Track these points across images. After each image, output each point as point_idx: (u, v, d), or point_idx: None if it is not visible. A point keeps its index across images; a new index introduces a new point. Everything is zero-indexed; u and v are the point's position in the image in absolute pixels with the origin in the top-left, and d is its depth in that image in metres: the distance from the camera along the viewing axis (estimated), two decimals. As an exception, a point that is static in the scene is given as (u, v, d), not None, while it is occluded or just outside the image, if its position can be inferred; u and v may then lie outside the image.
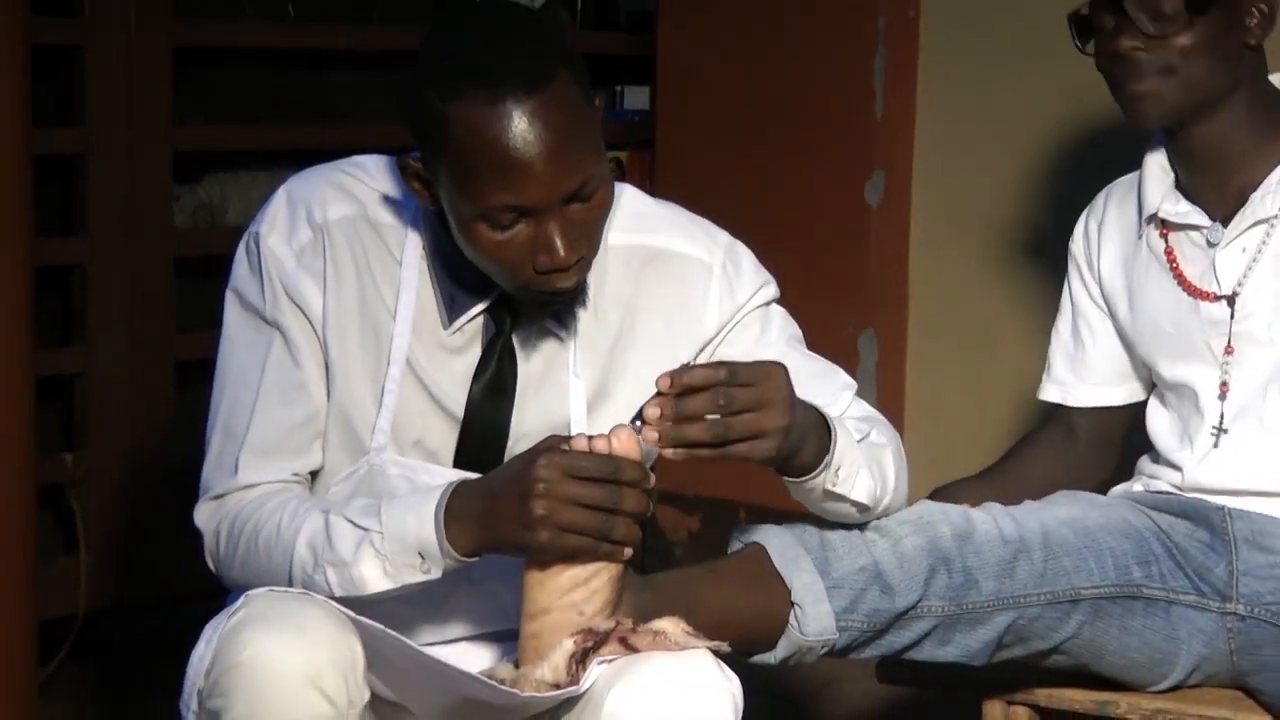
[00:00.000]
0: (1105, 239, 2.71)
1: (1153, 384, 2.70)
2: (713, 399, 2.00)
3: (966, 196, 3.97)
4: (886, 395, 4.02)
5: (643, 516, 2.03)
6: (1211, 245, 2.57)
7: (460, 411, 2.20)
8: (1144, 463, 2.69)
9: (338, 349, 2.18)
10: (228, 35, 3.97)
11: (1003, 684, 2.61)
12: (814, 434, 2.12)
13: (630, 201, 2.27)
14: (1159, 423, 2.67)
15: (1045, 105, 3.82)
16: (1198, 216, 2.59)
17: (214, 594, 2.22)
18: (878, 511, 2.28)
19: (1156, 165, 2.63)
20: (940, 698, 2.79)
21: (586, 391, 2.22)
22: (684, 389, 2.01)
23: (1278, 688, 2.48)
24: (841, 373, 2.32)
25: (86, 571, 3.54)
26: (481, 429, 2.20)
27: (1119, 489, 2.69)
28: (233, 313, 2.22)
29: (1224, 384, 2.57)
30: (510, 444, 2.20)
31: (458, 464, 2.20)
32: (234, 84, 4.14)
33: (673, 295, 2.25)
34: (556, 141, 2.02)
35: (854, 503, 2.22)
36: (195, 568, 2.25)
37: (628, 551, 2.04)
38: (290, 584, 2.10)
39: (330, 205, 2.19)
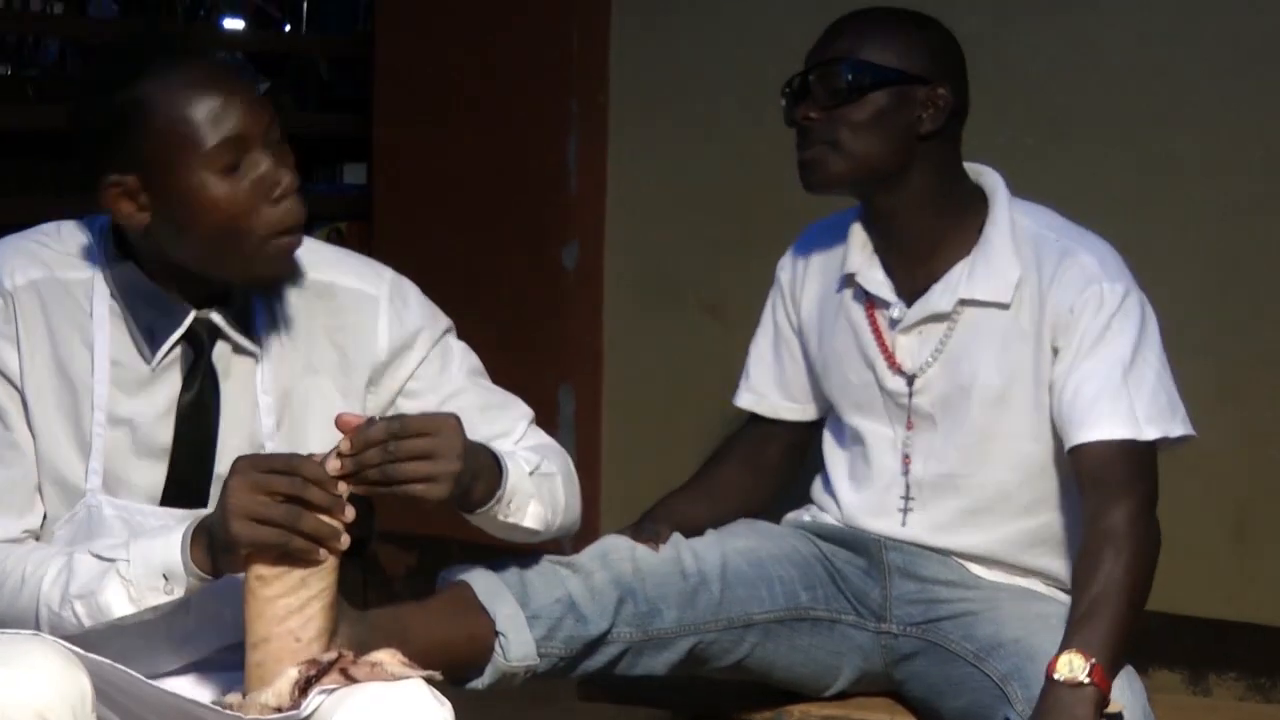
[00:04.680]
0: (809, 276, 2.63)
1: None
2: (383, 452, 2.02)
3: (654, 261, 4.01)
4: (584, 442, 4.03)
5: (327, 511, 2.00)
6: (894, 324, 2.52)
7: (167, 441, 2.16)
8: (816, 490, 2.68)
9: (38, 405, 2.13)
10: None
11: (690, 701, 2.63)
12: (485, 473, 2.14)
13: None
14: (835, 455, 2.63)
15: (724, 178, 3.88)
16: (887, 292, 2.51)
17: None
18: (550, 533, 2.29)
19: (862, 227, 2.56)
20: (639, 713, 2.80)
21: (275, 410, 2.19)
22: (361, 447, 2.02)
23: (924, 692, 2.53)
24: (520, 403, 2.34)
25: None
26: (189, 448, 2.17)
27: (791, 517, 2.69)
28: None
29: (906, 457, 2.52)
30: (217, 457, 2.17)
31: (169, 485, 2.16)
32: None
33: (345, 326, 2.24)
34: (241, 82, 2.08)
35: (525, 529, 2.24)
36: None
37: (322, 552, 2.01)
38: (37, 626, 2.05)
39: (18, 272, 2.14)
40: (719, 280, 3.90)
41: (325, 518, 2.00)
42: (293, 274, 2.20)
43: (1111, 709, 2.25)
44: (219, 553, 2.02)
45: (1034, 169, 3.12)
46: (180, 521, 2.08)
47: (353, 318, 2.24)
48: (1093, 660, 2.23)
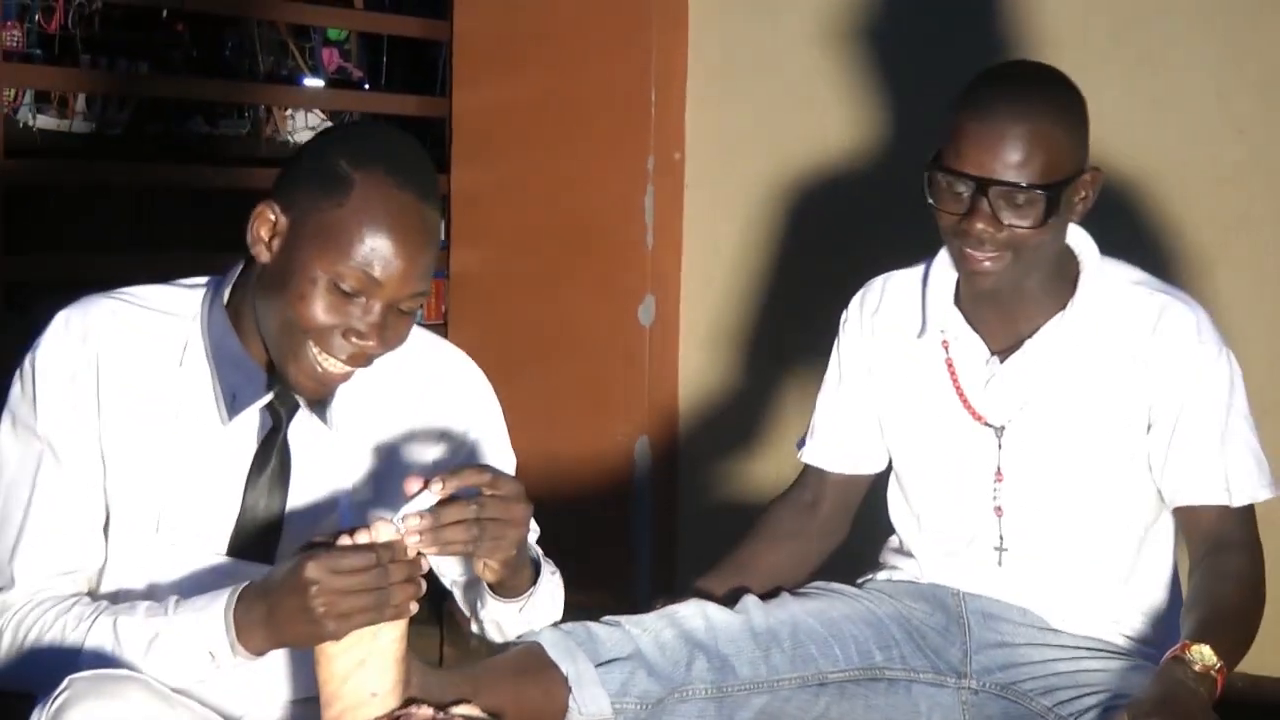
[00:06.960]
0: (880, 328, 2.57)
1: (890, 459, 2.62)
2: (465, 507, 2.01)
3: (728, 317, 4.00)
4: (661, 495, 4.02)
5: (417, 574, 2.00)
6: (985, 378, 2.47)
7: (236, 503, 2.15)
8: (888, 553, 2.65)
9: (115, 454, 2.13)
10: (52, 173, 3.87)
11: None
12: (529, 563, 2.18)
13: None
14: (908, 514, 2.59)
15: (796, 234, 3.88)
16: (978, 347, 2.47)
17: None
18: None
19: (943, 278, 2.50)
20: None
21: (355, 486, 2.19)
22: (448, 495, 2.01)
23: (1006, 753, 2.50)
24: None
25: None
26: (256, 519, 2.16)
27: (866, 578, 2.64)
28: (5, 430, 2.15)
29: (998, 507, 2.48)
30: (284, 532, 2.16)
31: (232, 550, 2.15)
32: (67, 218, 4.04)
33: (423, 405, 2.25)
34: (424, 249, 2.08)
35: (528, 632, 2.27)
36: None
37: (413, 606, 2.00)
38: None
39: (104, 326, 2.15)
40: (793, 335, 3.89)
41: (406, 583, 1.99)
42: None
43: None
44: (299, 644, 2.01)
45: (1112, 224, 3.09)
46: (238, 580, 2.06)
47: (431, 398, 2.26)
48: (1221, 661, 2.21)
